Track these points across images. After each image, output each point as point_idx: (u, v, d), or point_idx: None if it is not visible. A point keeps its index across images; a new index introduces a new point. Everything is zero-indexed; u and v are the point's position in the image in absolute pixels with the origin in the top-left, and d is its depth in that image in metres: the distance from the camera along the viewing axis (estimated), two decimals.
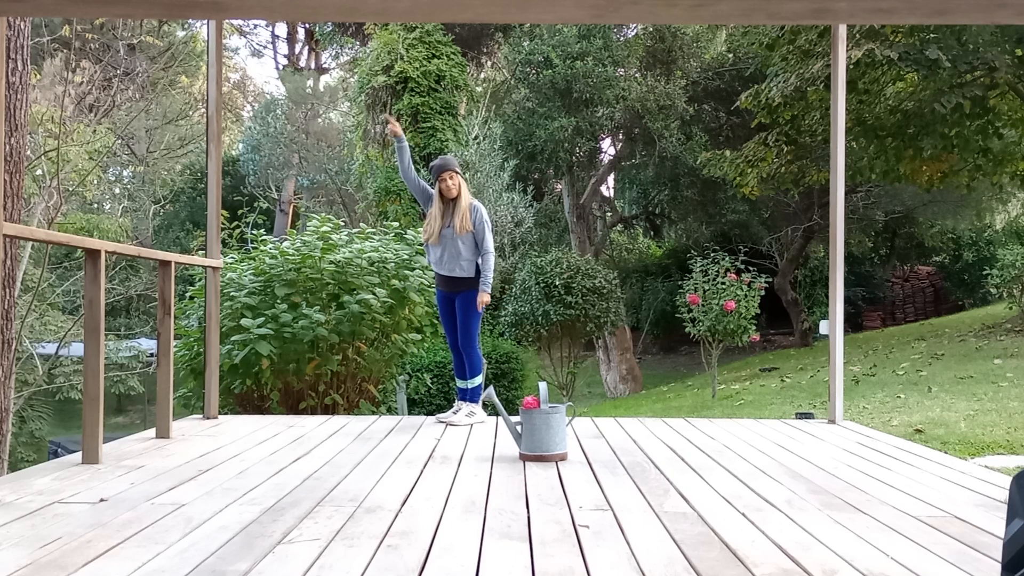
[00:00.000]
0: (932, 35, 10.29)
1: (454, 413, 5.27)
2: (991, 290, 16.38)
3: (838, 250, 5.14)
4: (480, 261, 5.19)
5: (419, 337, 7.24)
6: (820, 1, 3.99)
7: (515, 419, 4.19)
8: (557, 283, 13.78)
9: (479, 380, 5.30)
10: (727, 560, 2.42)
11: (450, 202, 5.20)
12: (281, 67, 27.56)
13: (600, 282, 14.12)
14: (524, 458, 4.00)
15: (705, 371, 14.68)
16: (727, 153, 14.61)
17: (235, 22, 25.67)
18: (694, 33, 18.06)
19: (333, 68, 27.48)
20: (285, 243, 7.17)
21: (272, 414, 6.53)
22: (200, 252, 13.44)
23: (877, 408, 7.66)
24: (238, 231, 8.18)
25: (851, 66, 10.21)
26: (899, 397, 8.13)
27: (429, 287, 7.22)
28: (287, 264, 6.75)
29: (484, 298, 5.16)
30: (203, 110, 19.72)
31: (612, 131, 18.87)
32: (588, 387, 18.27)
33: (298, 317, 6.43)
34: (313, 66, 26.71)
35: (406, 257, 7.21)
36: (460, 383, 5.33)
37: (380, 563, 2.37)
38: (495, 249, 12.92)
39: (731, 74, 17.55)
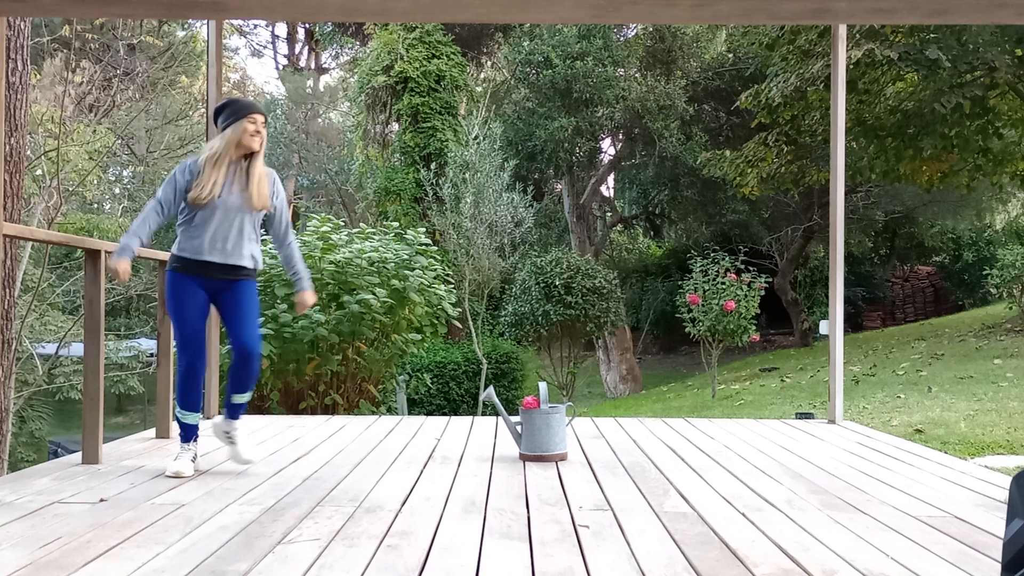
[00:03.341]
0: (932, 35, 10.29)
1: (229, 437, 3.85)
2: (991, 290, 16.38)
3: (838, 250, 5.14)
4: (282, 249, 3.94)
5: (419, 337, 7.24)
6: (820, 1, 3.99)
7: (515, 419, 4.19)
8: (557, 283, 13.78)
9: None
10: (727, 560, 2.42)
11: (245, 159, 3.76)
12: (281, 67, 27.58)
13: (600, 282, 14.12)
14: (524, 458, 4.00)
15: (705, 371, 14.68)
16: (727, 153, 14.61)
17: (235, 22, 25.66)
18: (694, 33, 18.06)
19: (333, 68, 27.50)
20: None
21: (272, 414, 6.54)
22: None
23: (877, 408, 7.66)
24: None
25: (851, 66, 10.21)
26: (899, 397, 8.13)
27: (429, 287, 7.21)
28: None
29: (311, 298, 3.96)
30: (203, 110, 19.72)
31: (612, 131, 18.87)
32: (588, 387, 18.28)
33: (298, 317, 6.43)
34: (313, 66, 26.73)
35: (406, 257, 7.21)
36: (240, 398, 3.86)
37: (380, 563, 2.37)
38: (495, 250, 13.08)
39: (731, 74, 17.55)
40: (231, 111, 3.76)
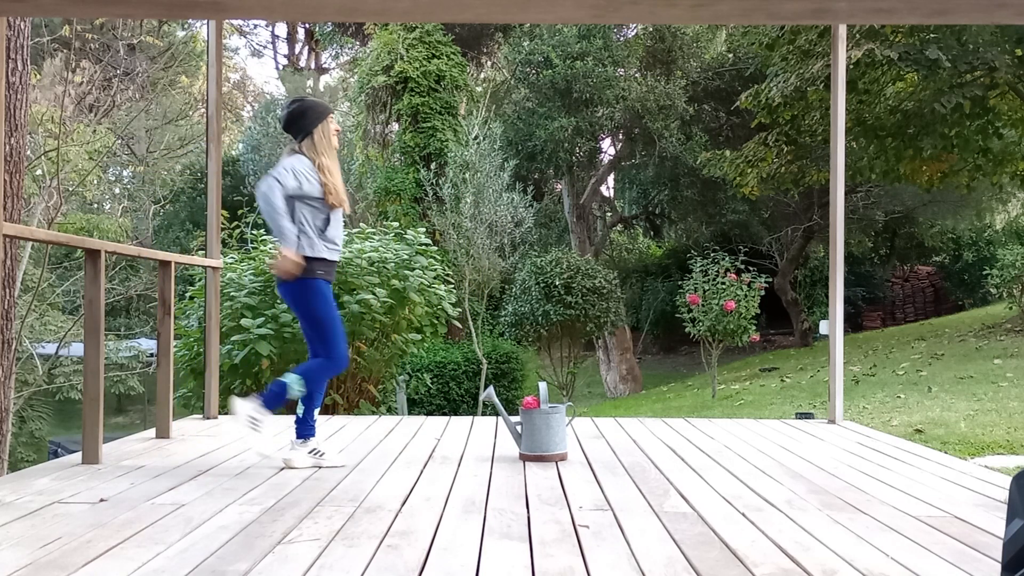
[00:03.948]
0: (932, 35, 10.29)
1: (316, 452, 3.88)
2: (991, 290, 16.38)
3: (838, 250, 5.14)
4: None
5: (419, 337, 7.24)
6: (820, 1, 3.99)
7: (515, 419, 4.19)
8: (557, 283, 13.78)
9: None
10: (727, 560, 2.42)
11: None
12: (281, 67, 27.60)
13: (600, 282, 14.12)
14: (524, 458, 4.00)
15: (705, 371, 14.68)
16: (727, 153, 14.61)
17: (235, 22, 25.67)
18: (694, 33, 18.06)
19: (333, 68, 27.51)
20: None
21: (272, 414, 6.52)
22: (200, 252, 13.46)
23: (877, 408, 7.66)
24: (238, 231, 8.18)
25: (851, 66, 10.20)
26: (899, 397, 8.13)
27: (429, 287, 7.21)
28: None
29: None
30: (203, 110, 19.72)
31: (612, 131, 18.88)
32: (588, 387, 18.27)
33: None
34: (313, 66, 26.74)
35: (406, 257, 7.21)
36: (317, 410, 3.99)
37: (380, 563, 2.37)
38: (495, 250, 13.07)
39: (731, 74, 17.55)
40: (315, 114, 3.76)
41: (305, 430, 3.86)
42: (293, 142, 3.82)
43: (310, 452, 3.83)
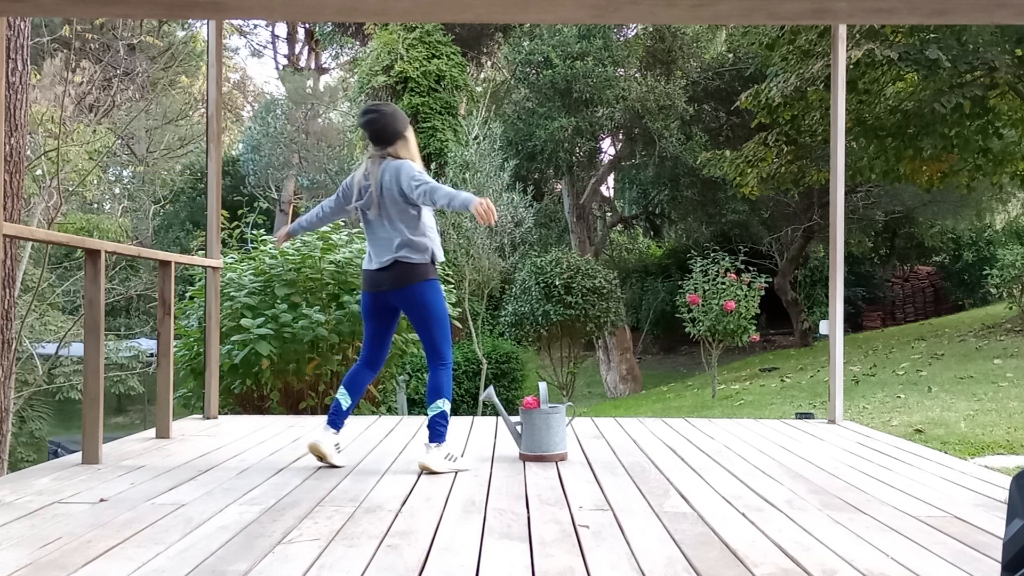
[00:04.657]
0: (932, 35, 10.29)
1: (337, 447, 3.92)
2: (991, 290, 16.38)
3: (838, 250, 5.14)
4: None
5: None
6: (820, 1, 3.99)
7: (515, 419, 4.19)
8: (557, 283, 13.78)
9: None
10: (727, 560, 2.42)
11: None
12: (281, 67, 27.56)
13: (600, 282, 14.12)
14: (524, 458, 4.00)
15: (705, 371, 14.68)
16: (727, 153, 14.61)
17: (235, 22, 25.66)
18: (694, 33, 18.06)
19: (333, 68, 27.49)
20: (285, 243, 7.16)
21: (272, 414, 6.54)
22: (200, 252, 13.44)
23: (877, 408, 7.66)
24: (238, 231, 8.18)
25: (851, 66, 10.21)
26: (899, 397, 8.13)
27: None
28: (287, 264, 6.75)
29: None
30: (203, 110, 19.72)
31: (612, 131, 18.87)
32: (588, 387, 18.27)
33: (298, 317, 6.43)
34: (313, 66, 26.71)
35: None
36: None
37: (380, 563, 2.37)
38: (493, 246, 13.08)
39: (731, 74, 17.55)
40: (404, 117, 3.82)
41: (338, 421, 3.86)
42: (374, 148, 3.77)
43: (335, 444, 3.86)
